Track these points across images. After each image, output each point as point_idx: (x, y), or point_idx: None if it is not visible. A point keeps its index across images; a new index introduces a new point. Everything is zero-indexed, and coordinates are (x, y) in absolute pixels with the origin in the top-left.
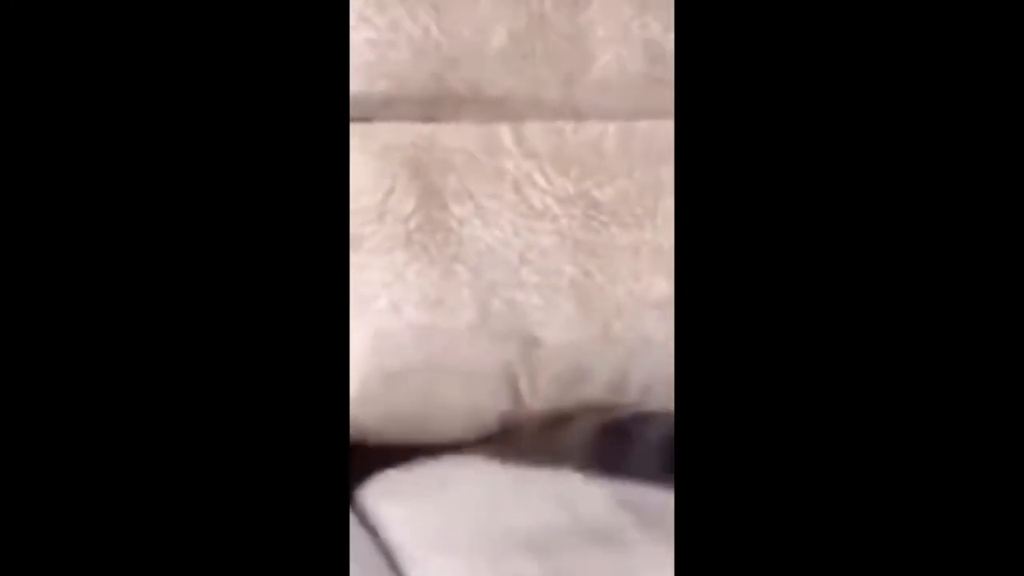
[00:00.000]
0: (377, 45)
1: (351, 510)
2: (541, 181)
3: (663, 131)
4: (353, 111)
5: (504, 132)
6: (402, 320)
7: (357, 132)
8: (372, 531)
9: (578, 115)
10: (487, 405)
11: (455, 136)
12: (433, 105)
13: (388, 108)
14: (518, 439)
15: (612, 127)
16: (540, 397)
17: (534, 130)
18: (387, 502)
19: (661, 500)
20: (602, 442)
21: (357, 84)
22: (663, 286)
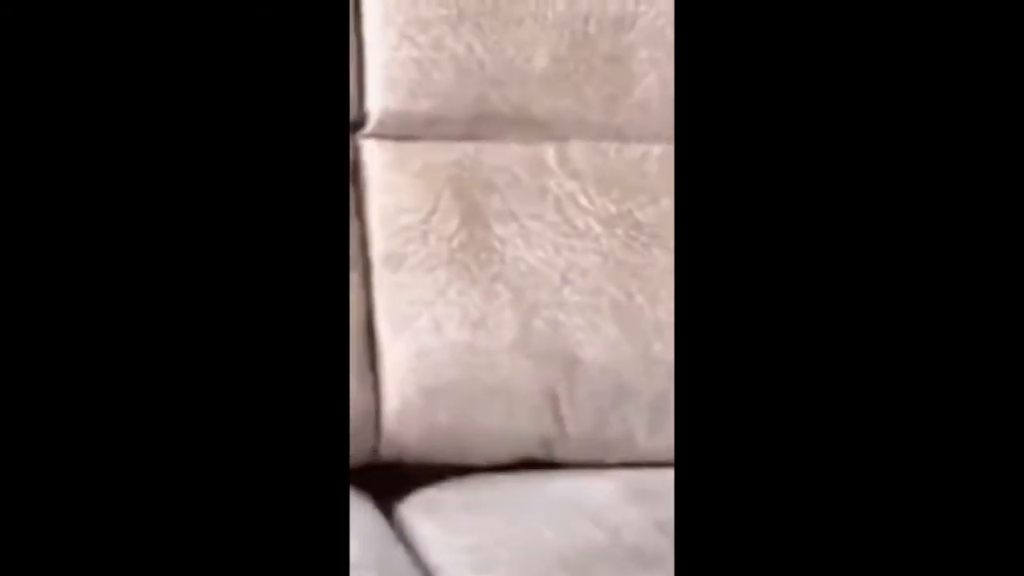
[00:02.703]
0: (421, 64)
1: (390, 526)
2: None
3: None
4: (397, 129)
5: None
6: (443, 339)
7: (400, 150)
8: (410, 547)
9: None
10: (527, 426)
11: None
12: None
13: (431, 127)
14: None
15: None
16: (581, 418)
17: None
18: (425, 519)
19: None
20: None
21: (399, 102)
22: None
